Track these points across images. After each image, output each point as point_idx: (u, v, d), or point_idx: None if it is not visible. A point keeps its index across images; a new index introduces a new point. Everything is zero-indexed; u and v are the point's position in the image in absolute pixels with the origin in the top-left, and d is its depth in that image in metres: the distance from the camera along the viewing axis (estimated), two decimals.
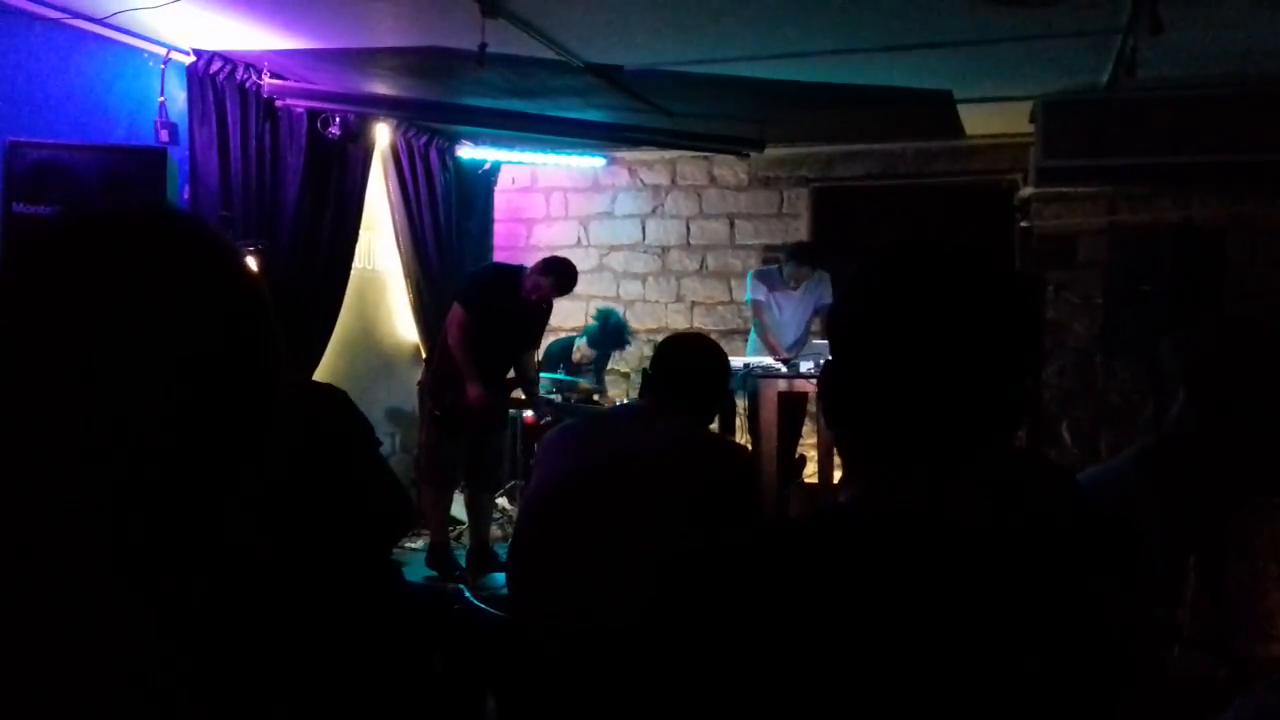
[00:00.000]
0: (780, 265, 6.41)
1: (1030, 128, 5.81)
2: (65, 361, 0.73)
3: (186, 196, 4.68)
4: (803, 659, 0.92)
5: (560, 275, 5.33)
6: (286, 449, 0.83)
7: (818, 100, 5.52)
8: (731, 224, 7.37)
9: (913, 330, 0.97)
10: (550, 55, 4.66)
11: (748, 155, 6.74)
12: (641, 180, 7.47)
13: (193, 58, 4.79)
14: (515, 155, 7.01)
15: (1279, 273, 5.86)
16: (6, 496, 0.75)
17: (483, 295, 5.26)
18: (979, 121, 6.16)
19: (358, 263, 6.03)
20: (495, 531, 5.88)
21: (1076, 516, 1.18)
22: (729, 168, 7.28)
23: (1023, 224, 6.47)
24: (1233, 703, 0.99)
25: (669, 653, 0.98)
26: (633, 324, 7.26)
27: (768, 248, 7.18)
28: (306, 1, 4.18)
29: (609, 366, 7.03)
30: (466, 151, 6.95)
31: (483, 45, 4.11)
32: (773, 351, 6.07)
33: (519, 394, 5.81)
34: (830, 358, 1.05)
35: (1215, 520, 2.39)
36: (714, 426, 3.10)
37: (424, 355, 6.32)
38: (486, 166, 7.24)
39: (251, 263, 0.89)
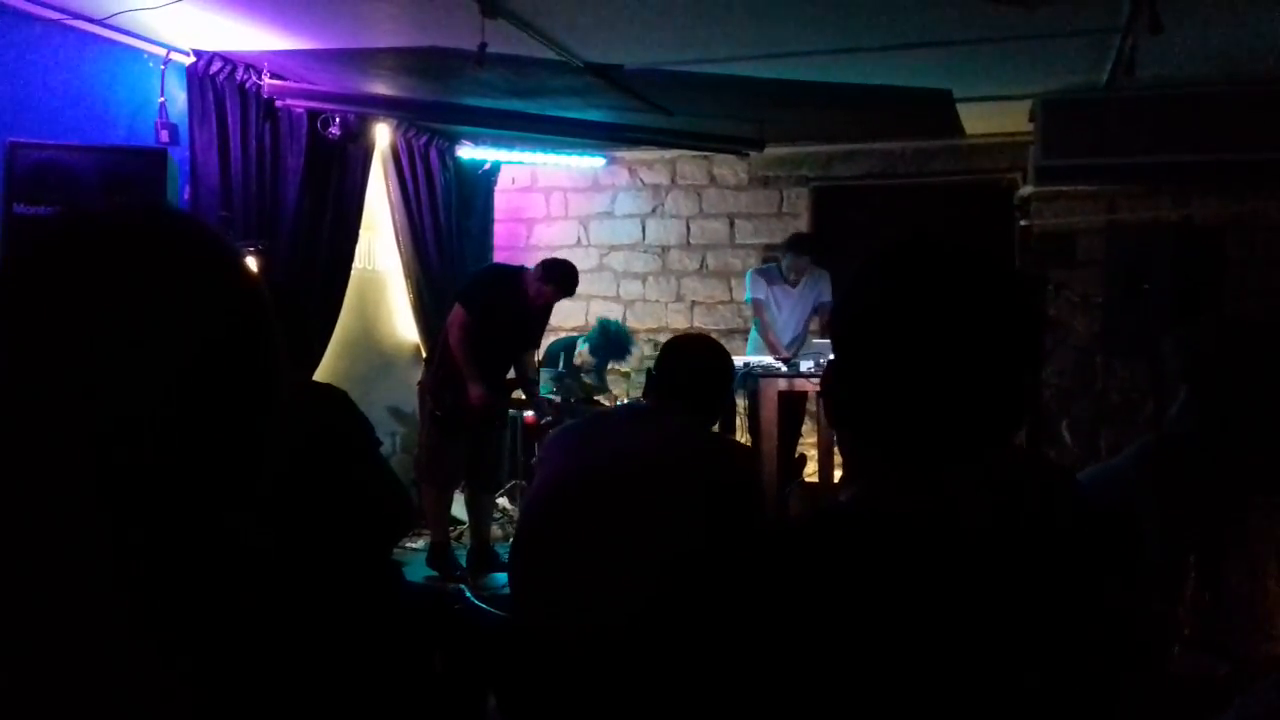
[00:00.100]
0: (779, 261, 6.40)
1: (1030, 127, 5.82)
2: (65, 361, 0.73)
3: (186, 197, 4.68)
4: (806, 659, 0.92)
5: (562, 281, 5.34)
6: (287, 449, 0.83)
7: (818, 100, 5.52)
8: (731, 223, 7.37)
9: (915, 329, 0.97)
10: (550, 55, 4.66)
11: (747, 155, 6.74)
12: (641, 180, 7.47)
13: (193, 58, 4.79)
14: (515, 155, 7.01)
15: (1279, 271, 5.86)
16: (6, 496, 0.75)
17: (483, 296, 5.26)
18: (978, 121, 6.16)
19: (358, 263, 6.03)
20: (496, 531, 5.88)
21: (1076, 516, 1.18)
22: (729, 167, 7.28)
23: (1022, 223, 6.47)
24: (1233, 701, 0.99)
25: (672, 653, 0.98)
26: (633, 324, 7.26)
27: (768, 247, 7.18)
28: (306, 2, 4.18)
29: (609, 367, 7.03)
30: (466, 151, 6.95)
31: (482, 45, 4.11)
32: (773, 350, 6.07)
33: (519, 394, 5.81)
34: (832, 357, 1.05)
35: (1215, 519, 2.39)
36: (714, 426, 3.10)
37: (424, 355, 6.32)
38: (486, 166, 7.24)
39: (251, 263, 0.89)
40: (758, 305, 6.31)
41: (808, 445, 6.49)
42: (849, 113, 6.05)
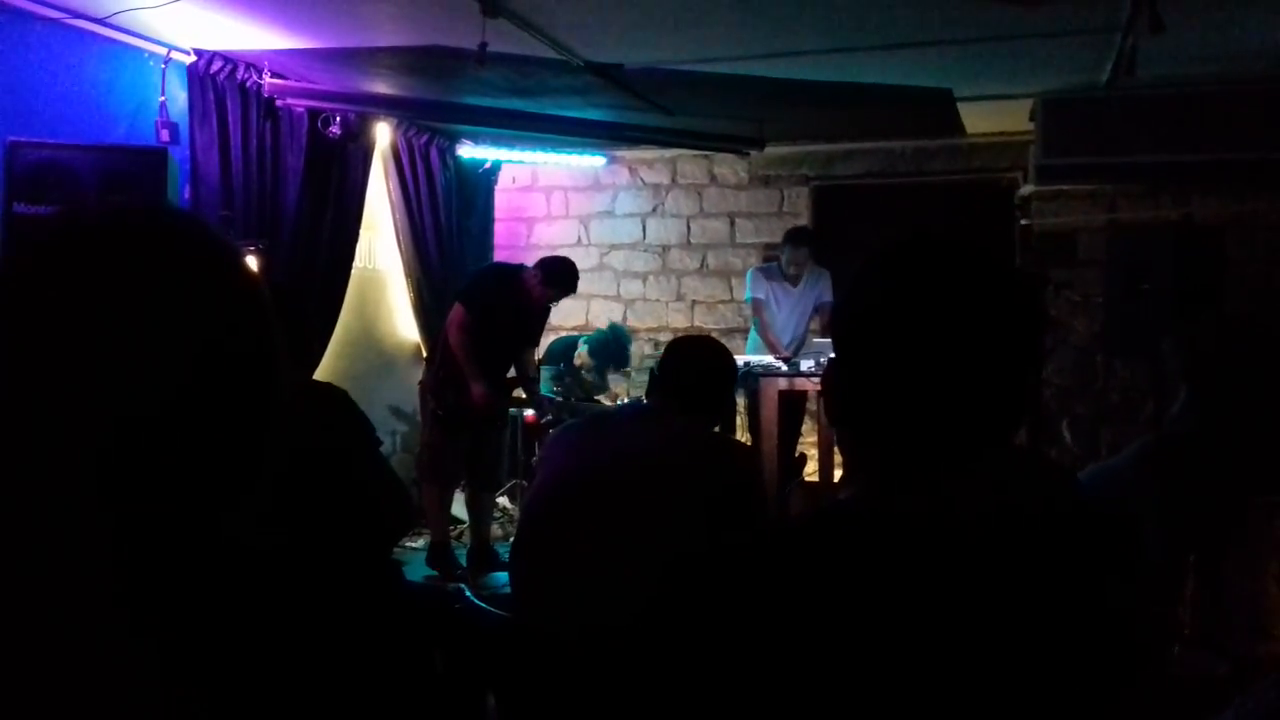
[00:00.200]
0: (779, 259, 6.39)
1: (1030, 126, 5.81)
2: (65, 361, 0.73)
3: (187, 196, 4.68)
4: (806, 659, 0.92)
5: (561, 280, 5.35)
6: (288, 448, 0.83)
7: (818, 99, 5.52)
8: (732, 223, 7.37)
9: (916, 328, 0.97)
10: (550, 54, 4.66)
11: (748, 154, 6.74)
12: (642, 179, 7.48)
13: (193, 57, 4.79)
14: (516, 154, 7.01)
15: (1278, 271, 5.86)
16: (5, 496, 0.75)
17: (483, 295, 5.27)
18: (979, 120, 6.16)
19: (358, 262, 6.04)
20: (496, 530, 5.88)
21: (1077, 515, 1.18)
22: (729, 166, 7.28)
23: (1023, 222, 6.47)
24: (1233, 700, 0.99)
25: (673, 653, 0.99)
26: (633, 323, 7.26)
27: (768, 246, 7.18)
28: (307, 1, 4.18)
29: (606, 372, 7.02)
30: (467, 150, 6.95)
31: (483, 44, 4.11)
32: (773, 349, 6.06)
33: (519, 393, 5.81)
34: (833, 356, 1.05)
35: (1215, 519, 2.39)
36: (716, 427, 3.11)
37: (424, 355, 6.32)
38: (487, 165, 7.24)
39: (252, 262, 0.89)
40: (757, 304, 6.30)
41: (808, 444, 6.49)
42: (849, 112, 6.05)
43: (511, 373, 5.62)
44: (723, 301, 7.38)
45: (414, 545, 5.75)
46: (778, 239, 6.95)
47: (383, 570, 0.88)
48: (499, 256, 7.36)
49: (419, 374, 6.05)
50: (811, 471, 6.26)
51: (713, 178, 7.38)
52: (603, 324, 7.05)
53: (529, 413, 6.10)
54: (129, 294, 0.75)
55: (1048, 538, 1.03)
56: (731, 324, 7.21)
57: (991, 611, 0.94)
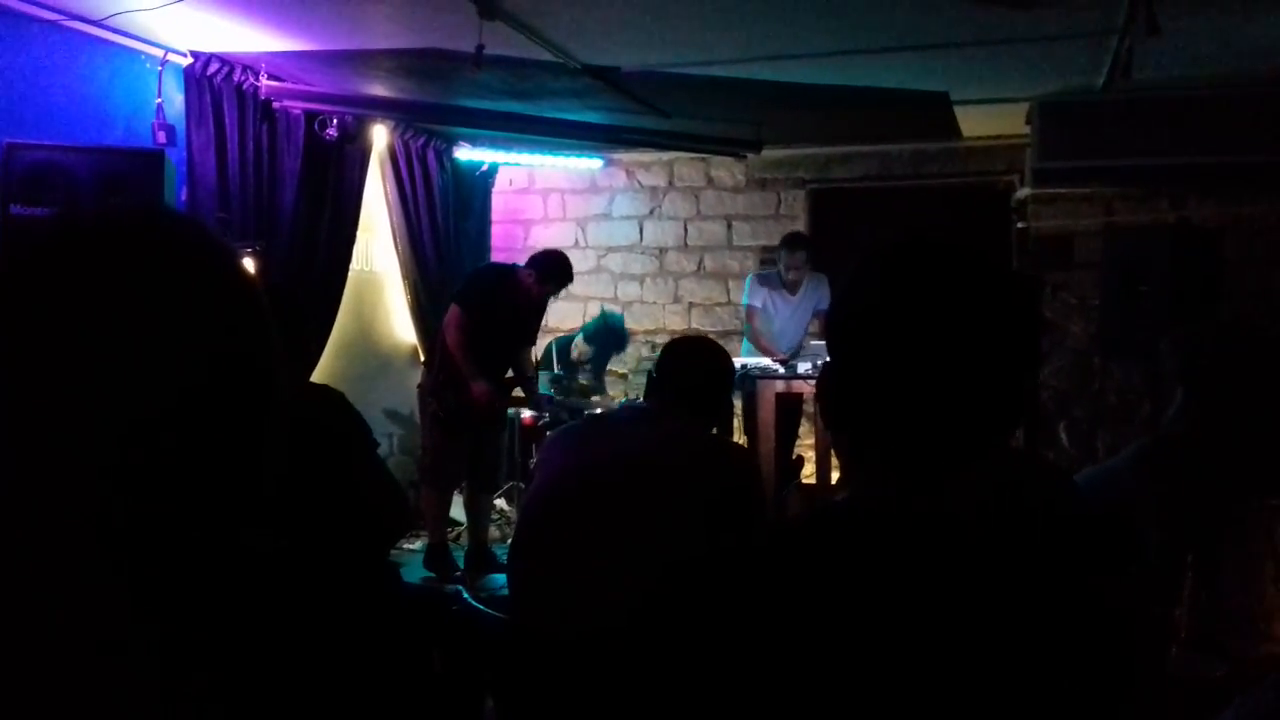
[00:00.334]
0: (777, 263, 6.38)
1: (1026, 129, 5.82)
2: (62, 363, 0.73)
3: (184, 198, 4.68)
4: (803, 660, 0.92)
5: (554, 274, 5.36)
6: (286, 450, 0.83)
7: (815, 102, 5.53)
8: (729, 225, 7.37)
9: (910, 330, 0.96)
10: (547, 57, 4.66)
11: (745, 157, 6.74)
12: (639, 182, 7.48)
13: (190, 59, 4.79)
14: (513, 157, 7.01)
15: (1275, 273, 5.87)
16: (4, 497, 0.75)
17: (479, 296, 5.27)
18: (975, 123, 6.17)
19: (355, 264, 6.03)
20: (493, 532, 5.88)
21: (1074, 517, 1.18)
22: (726, 169, 7.28)
23: (1019, 225, 6.47)
24: (1231, 702, 0.99)
25: (671, 655, 0.98)
26: (630, 325, 7.26)
27: (765, 249, 7.18)
28: (304, 3, 4.18)
29: (607, 368, 7.02)
30: (464, 153, 6.95)
31: (480, 47, 4.11)
32: (767, 355, 6.07)
33: (518, 393, 5.81)
34: (828, 359, 1.05)
35: (1212, 520, 2.39)
36: (713, 428, 3.11)
37: (422, 357, 6.31)
38: (484, 168, 7.24)
39: (249, 264, 0.89)
40: (751, 312, 6.27)
41: (805, 447, 6.49)
42: (846, 115, 6.05)
43: (510, 374, 5.62)
44: (720, 304, 7.38)
45: (411, 547, 5.75)
46: (775, 242, 6.95)
47: (380, 572, 0.88)
48: (496, 259, 7.35)
49: (416, 376, 6.04)
50: (809, 474, 6.26)
51: (710, 180, 7.38)
52: None
53: (526, 415, 6.10)
54: (127, 296, 0.75)
55: (1044, 539, 1.03)
56: (729, 326, 7.21)
57: (989, 613, 0.93)
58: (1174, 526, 2.23)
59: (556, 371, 6.36)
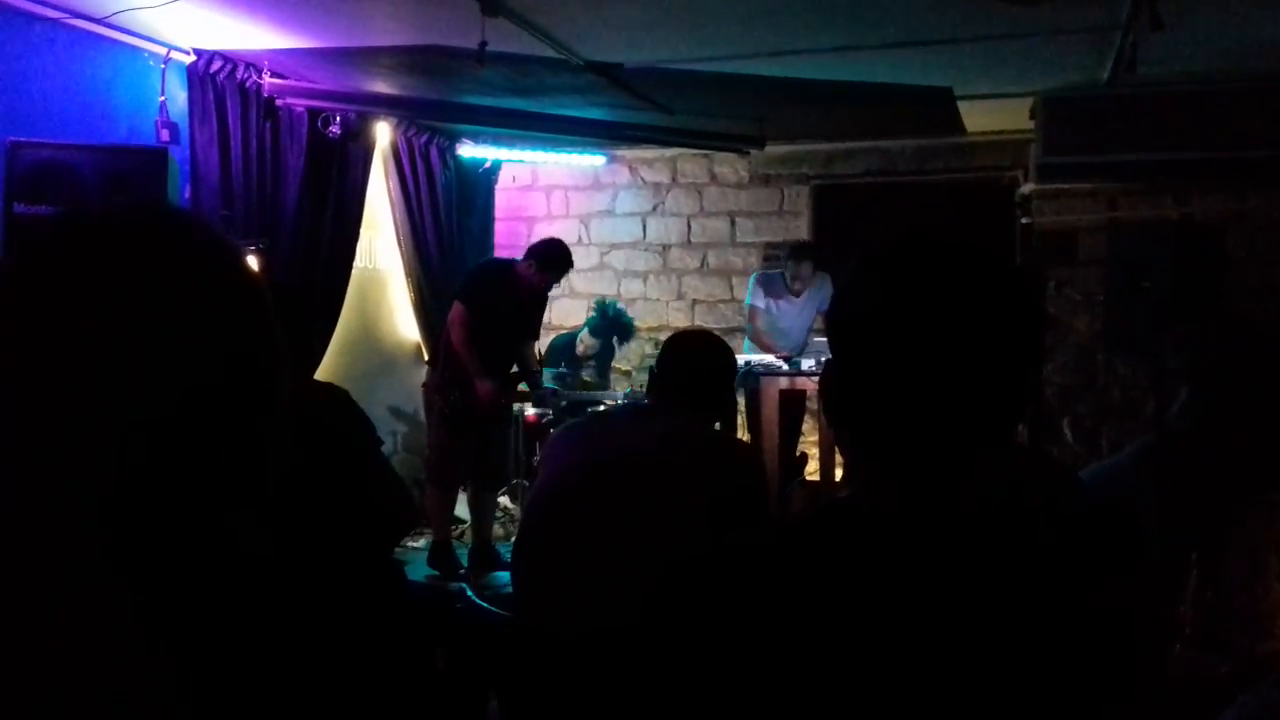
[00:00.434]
0: (781, 261, 6.39)
1: (1031, 124, 5.81)
2: (65, 362, 0.73)
3: (187, 196, 4.68)
4: (806, 658, 0.92)
5: (556, 264, 5.36)
6: (290, 448, 0.83)
7: (818, 97, 5.52)
8: (732, 221, 7.37)
9: (913, 326, 0.96)
10: (550, 53, 4.66)
11: (748, 153, 6.74)
12: (642, 178, 7.47)
13: (193, 57, 4.79)
14: (516, 153, 7.01)
15: (1279, 269, 5.86)
16: (5, 496, 0.75)
17: (481, 292, 5.27)
18: (979, 118, 6.16)
19: (359, 261, 6.04)
20: (497, 530, 5.88)
21: (1078, 514, 1.18)
22: (729, 165, 7.27)
23: (1023, 221, 6.46)
24: (1235, 700, 0.99)
25: (675, 653, 0.98)
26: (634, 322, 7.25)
27: (768, 245, 7.18)
28: (307, 1, 4.18)
29: (611, 364, 7.02)
30: (467, 150, 6.95)
31: (483, 43, 4.11)
32: (770, 354, 6.07)
33: (524, 387, 5.81)
34: (831, 356, 1.05)
35: (1217, 517, 2.39)
36: (716, 424, 3.11)
37: (425, 354, 6.32)
38: (487, 165, 7.24)
39: (252, 262, 0.89)
40: (754, 312, 6.30)
41: (809, 444, 6.49)
42: (850, 110, 6.04)
43: (515, 369, 5.63)
44: (723, 300, 7.38)
45: (415, 545, 5.75)
46: (778, 238, 6.95)
47: (384, 570, 0.88)
48: (499, 255, 7.36)
49: (420, 373, 6.04)
50: (812, 471, 6.26)
51: (713, 177, 7.37)
52: None
53: (530, 412, 6.10)
54: (131, 295, 0.75)
55: (1049, 536, 1.02)
56: (732, 323, 7.20)
57: (992, 611, 0.93)
58: (1178, 523, 2.23)
59: (561, 369, 6.37)
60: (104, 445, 0.73)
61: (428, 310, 6.54)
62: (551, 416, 5.84)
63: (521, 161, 7.25)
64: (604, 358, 6.69)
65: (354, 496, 2.27)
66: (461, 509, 5.79)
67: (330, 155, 5.63)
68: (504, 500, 6.29)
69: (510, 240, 7.60)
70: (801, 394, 5.96)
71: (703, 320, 7.35)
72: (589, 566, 2.42)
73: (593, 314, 6.64)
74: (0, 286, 0.77)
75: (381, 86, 5.62)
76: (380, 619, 0.84)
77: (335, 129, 5.52)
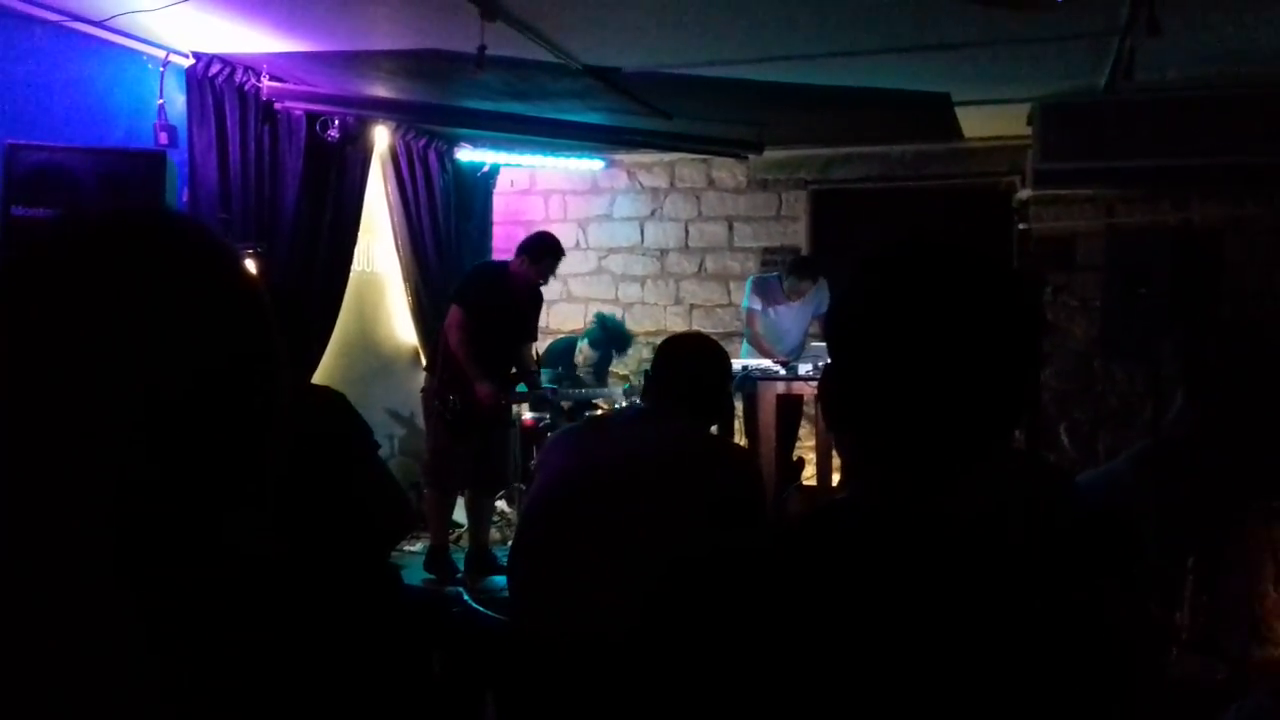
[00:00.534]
0: (780, 277, 6.41)
1: (1028, 130, 5.82)
2: (63, 365, 0.73)
3: (185, 199, 4.68)
4: (804, 662, 0.92)
5: (545, 254, 5.36)
6: (287, 452, 0.83)
7: (816, 103, 5.53)
8: (730, 226, 7.37)
9: (911, 330, 0.96)
10: (549, 58, 4.66)
11: (746, 158, 6.75)
12: (640, 183, 7.48)
13: (192, 60, 4.79)
14: (514, 158, 7.01)
15: (1277, 274, 5.86)
16: (6, 497, 0.75)
17: (477, 294, 5.27)
18: (977, 124, 6.17)
19: (356, 265, 6.04)
20: (494, 534, 5.88)
21: (1075, 518, 1.18)
22: (727, 170, 7.28)
23: (1021, 226, 6.47)
24: (1231, 704, 0.99)
25: (672, 657, 0.98)
26: (631, 326, 7.26)
27: (766, 250, 7.19)
28: (305, 4, 4.18)
29: (609, 370, 7.03)
30: (465, 154, 6.96)
31: (481, 48, 4.11)
32: (767, 358, 6.08)
33: (522, 389, 5.80)
34: (829, 360, 1.05)
35: (1213, 523, 2.39)
36: (713, 428, 3.11)
37: (423, 358, 6.31)
38: (485, 169, 7.25)
39: (250, 265, 0.89)
40: (751, 316, 6.33)
41: (806, 448, 6.49)
42: (848, 116, 6.05)
43: (513, 371, 5.62)
44: (721, 305, 7.38)
45: (412, 549, 5.75)
46: (776, 243, 6.96)
47: (381, 574, 0.88)
48: (496, 259, 7.36)
49: (417, 377, 6.04)
50: (809, 475, 6.26)
51: (711, 181, 7.38)
52: None
53: (527, 416, 6.10)
54: (130, 298, 0.75)
55: (1046, 541, 1.02)
56: (730, 328, 7.21)
57: (989, 615, 0.93)
58: (1175, 529, 2.23)
59: (559, 371, 6.37)
60: (104, 447, 0.73)
61: (425, 314, 6.54)
62: (549, 420, 5.83)
63: (520, 166, 7.26)
64: (602, 365, 6.71)
65: (350, 500, 2.27)
66: (458, 514, 5.79)
67: (328, 159, 5.63)
68: (501, 505, 6.29)
69: (508, 244, 7.57)
70: (798, 398, 5.96)
71: (700, 325, 7.35)
72: (585, 571, 2.42)
73: (592, 326, 6.66)
74: None
75: (380, 90, 5.63)
76: (377, 623, 0.84)
77: (334, 133, 5.52)
